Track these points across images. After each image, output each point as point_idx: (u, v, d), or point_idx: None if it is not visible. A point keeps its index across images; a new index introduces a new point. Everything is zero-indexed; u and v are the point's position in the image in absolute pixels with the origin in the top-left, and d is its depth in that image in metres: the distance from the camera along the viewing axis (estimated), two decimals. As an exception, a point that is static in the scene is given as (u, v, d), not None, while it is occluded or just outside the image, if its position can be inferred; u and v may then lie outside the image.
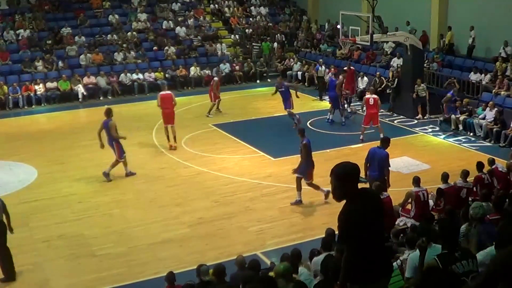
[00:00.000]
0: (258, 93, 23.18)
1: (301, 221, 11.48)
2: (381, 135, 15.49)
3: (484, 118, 16.76)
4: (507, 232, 4.82)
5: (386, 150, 11.14)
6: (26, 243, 10.68)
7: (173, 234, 10.98)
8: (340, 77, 19.03)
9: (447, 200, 9.77)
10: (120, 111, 20.78)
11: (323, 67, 22.68)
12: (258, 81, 25.30)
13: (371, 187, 9.43)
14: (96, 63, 24.34)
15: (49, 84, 22.51)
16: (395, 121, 18.62)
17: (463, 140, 16.54)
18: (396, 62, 21.42)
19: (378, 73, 21.35)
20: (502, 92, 17.62)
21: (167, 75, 24.31)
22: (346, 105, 19.30)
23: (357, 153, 14.64)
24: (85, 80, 23.00)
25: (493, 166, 10.83)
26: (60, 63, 23.74)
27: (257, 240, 10.67)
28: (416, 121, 18.49)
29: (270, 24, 28.75)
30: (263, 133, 17.70)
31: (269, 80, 25.23)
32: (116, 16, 26.93)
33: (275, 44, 27.18)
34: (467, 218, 7.00)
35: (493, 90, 17.91)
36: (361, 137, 16.23)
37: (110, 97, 22.95)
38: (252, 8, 30.06)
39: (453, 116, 17.07)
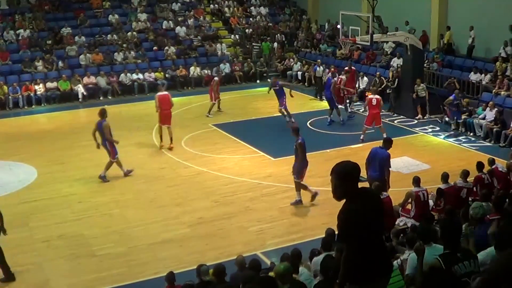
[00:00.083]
0: (258, 93, 23.16)
1: (301, 221, 11.48)
2: (384, 135, 15.50)
3: (484, 118, 16.77)
4: (507, 232, 4.83)
5: (388, 151, 11.13)
6: (26, 243, 10.70)
7: (173, 234, 10.98)
8: (343, 77, 19.06)
9: (447, 200, 9.76)
10: (120, 111, 20.87)
11: (321, 67, 22.72)
12: (258, 81, 25.30)
13: (371, 187, 9.43)
14: (96, 63, 24.34)
15: (49, 84, 22.51)
16: (395, 121, 18.62)
17: (463, 140, 16.54)
18: (396, 62, 21.41)
19: (378, 73, 21.35)
20: (502, 92, 17.62)
21: (167, 75, 24.32)
22: (348, 105, 19.36)
23: (357, 153, 14.64)
24: (85, 80, 23.00)
25: (493, 166, 10.82)
26: (60, 63, 23.74)
27: (257, 240, 10.67)
28: (416, 121, 18.50)
29: (270, 24, 28.76)
30: (263, 133, 17.70)
31: (269, 80, 25.10)
32: (116, 16, 26.93)
33: (275, 44, 27.18)
34: (467, 218, 7.01)
35: (493, 90, 17.90)
36: (361, 137, 16.24)
37: (110, 97, 22.95)
38: (252, 8, 30.06)
39: (457, 119, 17.02)
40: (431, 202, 10.01)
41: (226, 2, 30.04)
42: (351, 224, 4.01)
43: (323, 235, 7.81)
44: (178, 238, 10.84)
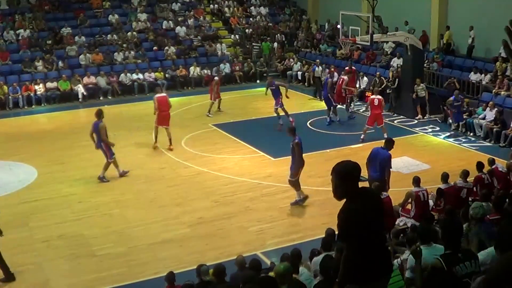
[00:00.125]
0: (258, 93, 23.11)
1: (301, 221, 11.48)
2: (385, 135, 15.52)
3: (484, 118, 16.77)
4: (507, 232, 4.82)
5: (389, 152, 11.13)
6: (26, 243, 10.70)
7: (173, 234, 10.98)
8: (345, 77, 19.12)
9: (447, 200, 9.76)
10: (120, 111, 20.88)
11: (320, 67, 22.74)
12: (258, 81, 25.28)
13: (371, 187, 9.43)
14: (96, 63, 24.34)
15: (49, 84, 22.51)
16: (395, 121, 18.62)
17: (463, 140, 16.55)
18: (396, 62, 21.41)
19: (378, 73, 21.34)
20: (502, 92, 17.62)
21: (167, 75, 24.33)
22: (350, 105, 19.43)
23: (357, 153, 14.64)
24: (85, 80, 23.00)
25: (493, 166, 10.83)
26: (60, 63, 23.74)
27: (257, 240, 10.67)
28: (416, 121, 18.50)
29: (270, 24, 28.76)
30: (263, 133, 17.70)
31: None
32: (116, 16, 26.93)
33: (275, 44, 27.19)
34: (467, 218, 7.01)
35: (493, 90, 17.90)
36: (362, 137, 16.24)
37: (110, 97, 22.96)
38: (252, 8, 30.06)
39: (460, 122, 16.98)
40: (431, 202, 10.01)
41: (226, 2, 30.04)
42: (351, 224, 4.02)
43: (323, 235, 7.82)
44: (178, 238, 10.84)
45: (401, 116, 19.04)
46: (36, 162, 15.21)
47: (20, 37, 24.60)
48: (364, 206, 4.03)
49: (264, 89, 19.30)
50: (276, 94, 17.89)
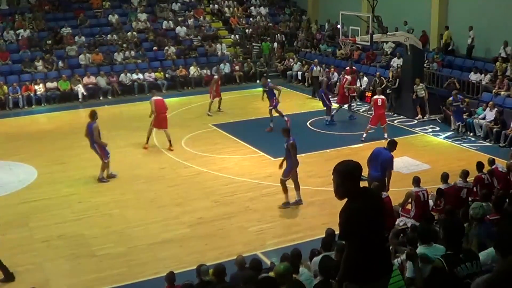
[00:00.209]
0: (258, 93, 22.94)
1: (301, 221, 11.47)
2: (385, 135, 15.53)
3: (484, 118, 16.78)
4: (507, 232, 4.82)
5: (391, 153, 11.13)
6: (26, 243, 10.69)
7: (173, 234, 10.98)
8: (348, 77, 19.18)
9: (447, 200, 9.76)
10: (120, 111, 20.88)
11: (318, 67, 22.76)
12: (258, 81, 25.20)
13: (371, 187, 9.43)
14: (96, 63, 24.34)
15: (49, 84, 22.51)
16: (395, 121, 18.61)
17: (463, 140, 16.54)
18: (396, 62, 21.41)
19: (378, 73, 21.33)
20: (502, 92, 17.63)
21: (167, 75, 24.33)
22: (352, 105, 19.49)
23: (357, 153, 14.65)
24: (85, 80, 23.00)
25: (493, 166, 10.83)
26: (60, 63, 23.74)
27: (257, 240, 10.67)
28: (416, 121, 18.51)
29: (270, 24, 28.76)
30: (263, 133, 17.68)
31: (269, 80, 25.16)
32: (116, 16, 26.93)
33: (275, 44, 27.18)
34: (467, 218, 7.01)
35: (493, 90, 17.91)
36: (363, 136, 16.24)
37: (110, 97, 22.95)
38: (252, 8, 30.06)
39: (459, 123, 16.97)
40: (431, 202, 10.01)
41: (226, 2, 30.04)
42: (353, 223, 4.02)
43: (323, 235, 7.82)
44: (178, 238, 10.84)
45: (401, 116, 19.04)
46: (36, 162, 15.21)
47: (20, 37, 24.60)
48: (365, 206, 4.04)
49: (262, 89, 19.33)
50: (271, 95, 17.88)
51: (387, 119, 18.25)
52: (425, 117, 18.67)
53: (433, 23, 22.59)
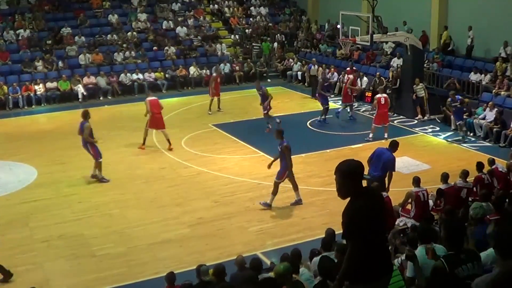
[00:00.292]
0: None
1: (301, 221, 11.47)
2: (385, 135, 15.52)
3: (484, 118, 16.78)
4: (506, 232, 4.82)
5: (393, 154, 11.13)
6: (26, 243, 10.69)
7: (173, 234, 10.98)
8: (351, 76, 19.20)
9: (447, 200, 9.76)
10: (120, 111, 20.87)
11: (316, 66, 22.75)
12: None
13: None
14: (96, 63, 24.34)
15: (49, 84, 22.51)
16: (395, 121, 18.61)
17: (466, 137, 16.52)
18: (396, 62, 21.42)
19: (378, 73, 21.35)
20: (502, 92, 17.63)
21: (167, 75, 24.33)
22: (354, 105, 19.54)
23: (357, 153, 14.64)
24: (85, 80, 23.00)
25: (493, 166, 10.83)
26: (60, 63, 23.74)
27: (257, 240, 10.67)
28: (416, 121, 18.51)
29: (270, 24, 28.76)
30: (263, 133, 17.65)
31: (269, 80, 25.25)
32: (116, 16, 26.93)
33: (275, 44, 27.18)
34: (467, 218, 7.01)
35: (493, 90, 17.91)
36: (370, 136, 16.22)
37: (110, 97, 22.95)
38: (252, 8, 30.05)
39: (460, 122, 16.97)
40: (431, 202, 10.01)
41: (226, 2, 30.04)
42: (356, 222, 4.03)
43: (323, 235, 7.81)
44: (178, 238, 10.84)
45: (401, 116, 19.04)
46: (36, 162, 15.21)
47: (20, 37, 24.59)
48: (368, 205, 4.05)
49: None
50: (263, 99, 17.84)
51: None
52: (425, 117, 18.67)
53: (433, 23, 22.59)
